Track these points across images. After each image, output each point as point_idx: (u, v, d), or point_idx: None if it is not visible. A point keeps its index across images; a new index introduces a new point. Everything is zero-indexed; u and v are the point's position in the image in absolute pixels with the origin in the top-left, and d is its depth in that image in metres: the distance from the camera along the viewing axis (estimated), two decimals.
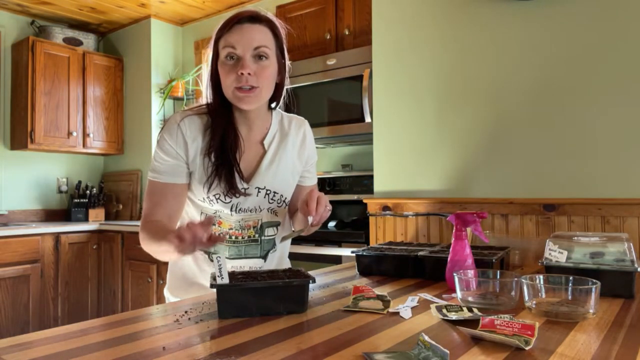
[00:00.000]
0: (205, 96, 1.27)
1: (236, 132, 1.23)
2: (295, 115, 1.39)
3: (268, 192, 1.27)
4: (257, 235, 1.28)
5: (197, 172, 1.22)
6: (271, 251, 1.33)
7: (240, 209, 1.25)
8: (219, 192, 1.22)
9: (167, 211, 1.22)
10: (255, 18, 1.18)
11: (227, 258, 1.27)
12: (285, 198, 1.32)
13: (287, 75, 1.27)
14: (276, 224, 1.32)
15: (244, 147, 1.25)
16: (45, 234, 3.47)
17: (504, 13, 1.88)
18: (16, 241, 3.32)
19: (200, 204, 1.26)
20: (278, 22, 1.23)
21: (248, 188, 1.24)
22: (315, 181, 1.44)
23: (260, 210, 1.28)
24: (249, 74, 1.14)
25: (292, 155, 1.32)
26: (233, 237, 1.27)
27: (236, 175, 1.21)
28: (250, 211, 1.26)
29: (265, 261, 1.31)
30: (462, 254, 1.18)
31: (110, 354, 0.71)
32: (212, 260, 1.26)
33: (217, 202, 1.24)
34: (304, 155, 1.36)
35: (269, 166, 1.27)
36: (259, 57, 1.17)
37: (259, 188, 1.25)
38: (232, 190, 1.20)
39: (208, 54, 1.23)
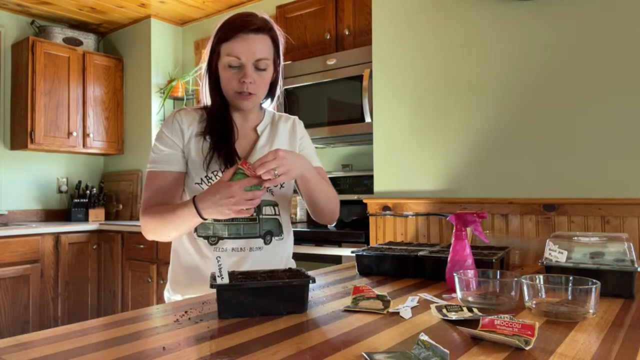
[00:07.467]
0: (202, 91, 1.35)
1: (232, 121, 1.33)
2: (285, 113, 1.49)
3: None
4: (255, 214, 1.31)
5: (194, 152, 1.29)
6: (276, 237, 1.34)
7: None
8: (217, 169, 1.27)
9: (164, 198, 1.27)
10: (259, 29, 1.25)
11: (227, 238, 1.29)
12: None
13: (281, 75, 1.36)
14: (274, 204, 1.35)
15: (238, 134, 1.33)
16: (45, 234, 3.47)
17: (505, 13, 1.88)
18: (16, 241, 3.32)
19: (198, 188, 1.28)
20: (278, 30, 1.31)
21: None
22: (317, 164, 1.43)
23: None
24: (250, 82, 1.25)
25: (284, 140, 1.40)
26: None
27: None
28: None
29: (266, 244, 1.32)
30: (462, 254, 1.18)
31: (110, 354, 0.71)
32: (211, 245, 1.29)
33: (216, 180, 1.27)
34: (295, 141, 1.42)
35: (263, 147, 1.35)
36: (259, 67, 1.26)
37: None
38: (230, 163, 1.26)
39: (207, 49, 1.31)
